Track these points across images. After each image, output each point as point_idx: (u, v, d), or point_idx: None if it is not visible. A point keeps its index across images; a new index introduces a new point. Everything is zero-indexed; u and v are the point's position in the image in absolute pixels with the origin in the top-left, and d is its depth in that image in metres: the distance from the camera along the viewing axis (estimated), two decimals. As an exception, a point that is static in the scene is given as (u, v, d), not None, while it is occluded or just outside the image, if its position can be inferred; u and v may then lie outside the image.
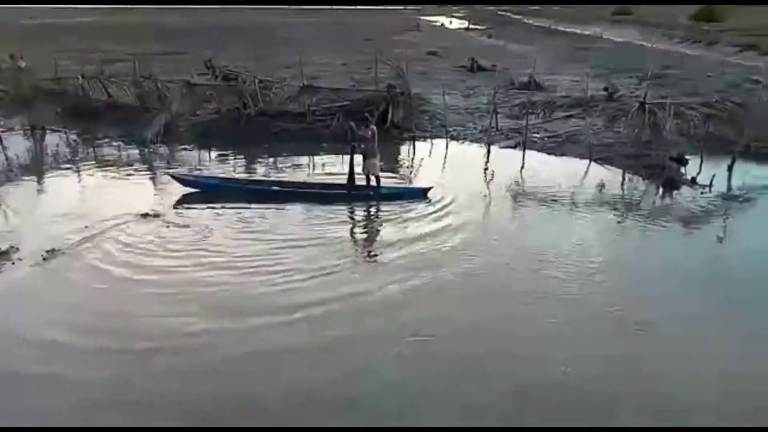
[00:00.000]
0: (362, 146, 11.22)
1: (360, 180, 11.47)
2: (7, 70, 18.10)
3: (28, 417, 5.50)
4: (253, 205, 10.75)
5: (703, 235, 10.17)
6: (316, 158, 14.71)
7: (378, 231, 10.26)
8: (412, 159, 15.21)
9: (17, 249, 8.74)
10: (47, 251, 8.65)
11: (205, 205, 10.83)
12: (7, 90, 17.76)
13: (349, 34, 40.90)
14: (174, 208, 10.88)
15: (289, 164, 14.18)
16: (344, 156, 14.67)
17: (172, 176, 11.95)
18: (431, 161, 14.83)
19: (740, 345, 6.73)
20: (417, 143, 16.23)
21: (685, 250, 9.54)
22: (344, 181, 11.49)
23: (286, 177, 12.74)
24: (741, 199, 11.68)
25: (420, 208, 10.90)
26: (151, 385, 5.96)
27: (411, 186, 11.91)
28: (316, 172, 13.66)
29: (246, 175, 13.24)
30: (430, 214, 10.60)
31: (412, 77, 19.00)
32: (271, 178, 12.59)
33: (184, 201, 11.24)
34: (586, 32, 46.86)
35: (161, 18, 69.36)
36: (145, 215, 10.17)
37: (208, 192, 11.48)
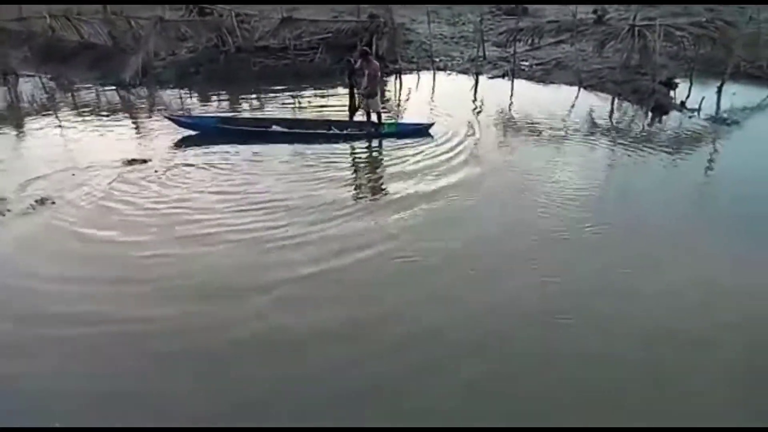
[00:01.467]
0: (363, 82, 10.67)
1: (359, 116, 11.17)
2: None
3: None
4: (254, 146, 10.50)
5: (690, 160, 10.24)
6: (301, 94, 14.38)
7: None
8: (400, 92, 14.95)
9: (4, 199, 8.60)
10: (36, 201, 8.54)
11: (205, 147, 10.61)
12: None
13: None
14: (175, 149, 10.69)
15: (273, 102, 13.89)
16: (328, 91, 14.57)
17: (169, 118, 11.62)
18: (422, 95, 14.56)
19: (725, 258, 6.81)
20: (403, 75, 15.90)
21: (671, 175, 9.64)
22: (344, 118, 11.26)
23: (286, 115, 12.29)
24: (729, 121, 11.70)
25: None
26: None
27: (413, 122, 11.45)
28: (302, 107, 13.39)
29: (242, 114, 12.82)
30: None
31: (396, 5, 18.36)
32: (271, 117, 12.17)
33: (183, 143, 11.01)
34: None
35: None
36: (132, 161, 9.98)
37: (206, 133, 11.22)
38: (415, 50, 17.21)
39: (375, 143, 10.84)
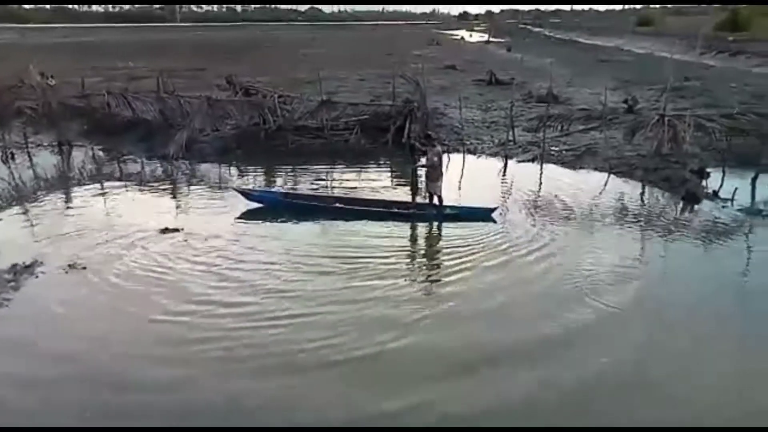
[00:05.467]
0: (426, 167, 11.13)
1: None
2: (38, 88, 18.69)
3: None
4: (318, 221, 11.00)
5: (725, 250, 9.94)
6: (335, 173, 14.86)
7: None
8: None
9: (41, 263, 8.98)
10: (69, 265, 8.89)
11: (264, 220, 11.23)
12: (36, 107, 18.33)
13: (370, 48, 41.31)
14: (238, 221, 11.30)
15: (307, 177, 14.36)
16: (362, 170, 15.03)
17: (237, 190, 12.24)
18: (463, 177, 14.69)
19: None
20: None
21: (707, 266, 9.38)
22: (406, 199, 11.63)
23: (349, 194, 12.66)
24: (765, 213, 11.41)
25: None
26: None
27: (476, 206, 11.44)
28: (334, 185, 13.79)
29: (304, 190, 13.26)
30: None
31: (431, 91, 19.14)
32: (334, 195, 12.63)
33: (249, 215, 11.58)
34: (608, 44, 46.52)
35: (182, 35, 70.91)
36: (165, 230, 10.36)
37: (270, 207, 11.66)
38: (446, 133, 17.69)
39: (435, 224, 11.03)
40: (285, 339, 7.09)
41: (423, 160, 11.32)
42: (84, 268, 8.87)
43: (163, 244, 9.84)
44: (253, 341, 7.05)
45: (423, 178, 11.47)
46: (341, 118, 17.22)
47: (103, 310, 7.83)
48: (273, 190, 13.12)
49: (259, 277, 8.64)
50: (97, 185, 13.69)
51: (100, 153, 16.72)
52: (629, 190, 13.12)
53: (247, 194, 12.05)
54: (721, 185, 12.59)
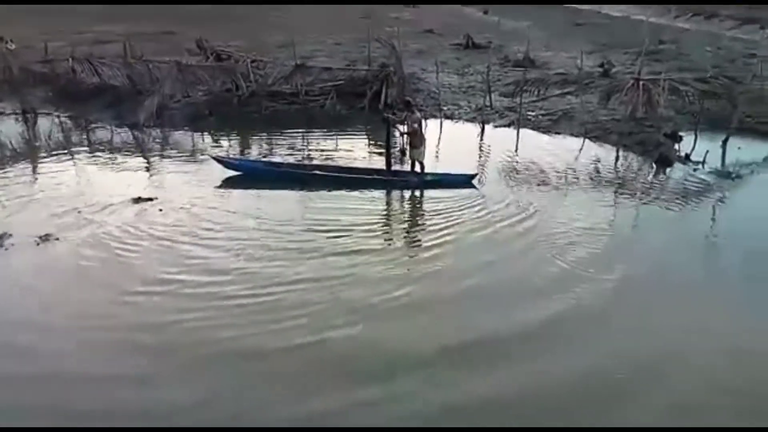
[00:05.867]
0: (407, 133, 11.07)
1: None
2: (-3, 53, 17.88)
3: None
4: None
5: (695, 212, 10.19)
6: (312, 139, 14.66)
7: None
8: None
9: (10, 235, 8.75)
10: (40, 237, 8.68)
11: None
12: (-4, 73, 17.57)
13: (345, 10, 40.27)
14: (219, 188, 11.11)
15: (285, 145, 14.14)
16: (338, 136, 14.86)
17: (215, 158, 11.95)
18: (440, 143, 14.60)
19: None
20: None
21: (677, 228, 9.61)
22: (385, 166, 11.53)
23: (327, 160, 12.58)
24: (734, 175, 11.67)
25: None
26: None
27: (456, 173, 11.51)
28: (311, 151, 13.62)
29: (284, 159, 12.97)
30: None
31: (407, 55, 18.85)
32: (313, 162, 12.48)
33: (227, 184, 11.35)
34: (583, 6, 46.21)
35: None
36: (137, 199, 10.15)
37: (250, 175, 11.48)
38: (423, 99, 17.52)
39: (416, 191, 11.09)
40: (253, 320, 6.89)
41: (403, 128, 11.24)
42: (57, 239, 8.67)
43: (136, 213, 9.66)
44: (225, 321, 6.83)
45: (407, 146, 11.38)
46: (316, 84, 16.90)
47: (76, 282, 7.70)
48: (252, 158, 12.89)
49: (232, 252, 8.44)
50: (66, 154, 13.28)
51: (67, 121, 16.17)
52: (604, 154, 13.26)
53: (225, 162, 11.83)
54: (693, 148, 12.81)
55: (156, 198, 10.28)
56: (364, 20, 31.27)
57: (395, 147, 11.84)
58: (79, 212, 9.62)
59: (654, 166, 12.37)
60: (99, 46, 20.28)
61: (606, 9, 43.42)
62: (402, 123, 11.26)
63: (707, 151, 12.33)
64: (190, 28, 26.42)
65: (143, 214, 9.67)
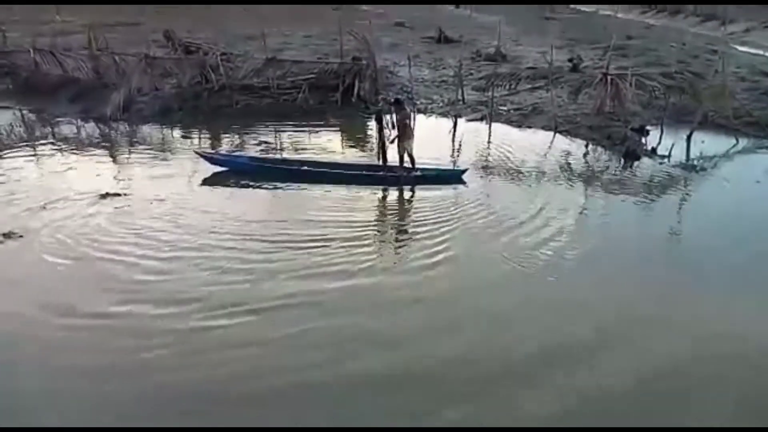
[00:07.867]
0: (398, 125, 10.94)
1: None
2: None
3: None
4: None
5: (659, 206, 10.47)
6: (284, 133, 14.52)
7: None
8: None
9: (-28, 232, 8.46)
10: (3, 234, 8.43)
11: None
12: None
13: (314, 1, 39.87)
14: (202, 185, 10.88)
15: (256, 141, 13.97)
16: (311, 131, 14.75)
17: (199, 154, 11.66)
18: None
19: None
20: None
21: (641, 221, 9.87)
22: (374, 162, 11.44)
23: (316, 157, 12.28)
24: (698, 168, 12.04)
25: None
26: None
27: (447, 168, 11.62)
28: (284, 147, 13.49)
29: (271, 155, 12.76)
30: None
31: (379, 49, 18.79)
32: (301, 158, 12.19)
33: (212, 180, 11.10)
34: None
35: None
36: (104, 195, 9.92)
37: (236, 171, 11.25)
38: (397, 93, 17.51)
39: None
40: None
41: (394, 120, 11.17)
42: (21, 236, 8.42)
43: (103, 210, 9.44)
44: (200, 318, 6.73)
45: (389, 142, 11.22)
46: (288, 77, 16.72)
47: (41, 281, 7.49)
48: (238, 153, 12.63)
49: (207, 248, 8.25)
50: (30, 149, 12.87)
51: (30, 115, 15.65)
52: (574, 148, 13.47)
53: (211, 158, 11.53)
54: (659, 142, 13.14)
55: (124, 194, 10.06)
56: (335, 12, 31.03)
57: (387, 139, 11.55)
58: (44, 208, 9.36)
59: (622, 159, 12.64)
60: (62, 37, 19.63)
61: (574, 4, 44.07)
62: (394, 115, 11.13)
63: (673, 145, 12.67)
64: (155, 19, 25.84)
65: (110, 210, 9.44)
